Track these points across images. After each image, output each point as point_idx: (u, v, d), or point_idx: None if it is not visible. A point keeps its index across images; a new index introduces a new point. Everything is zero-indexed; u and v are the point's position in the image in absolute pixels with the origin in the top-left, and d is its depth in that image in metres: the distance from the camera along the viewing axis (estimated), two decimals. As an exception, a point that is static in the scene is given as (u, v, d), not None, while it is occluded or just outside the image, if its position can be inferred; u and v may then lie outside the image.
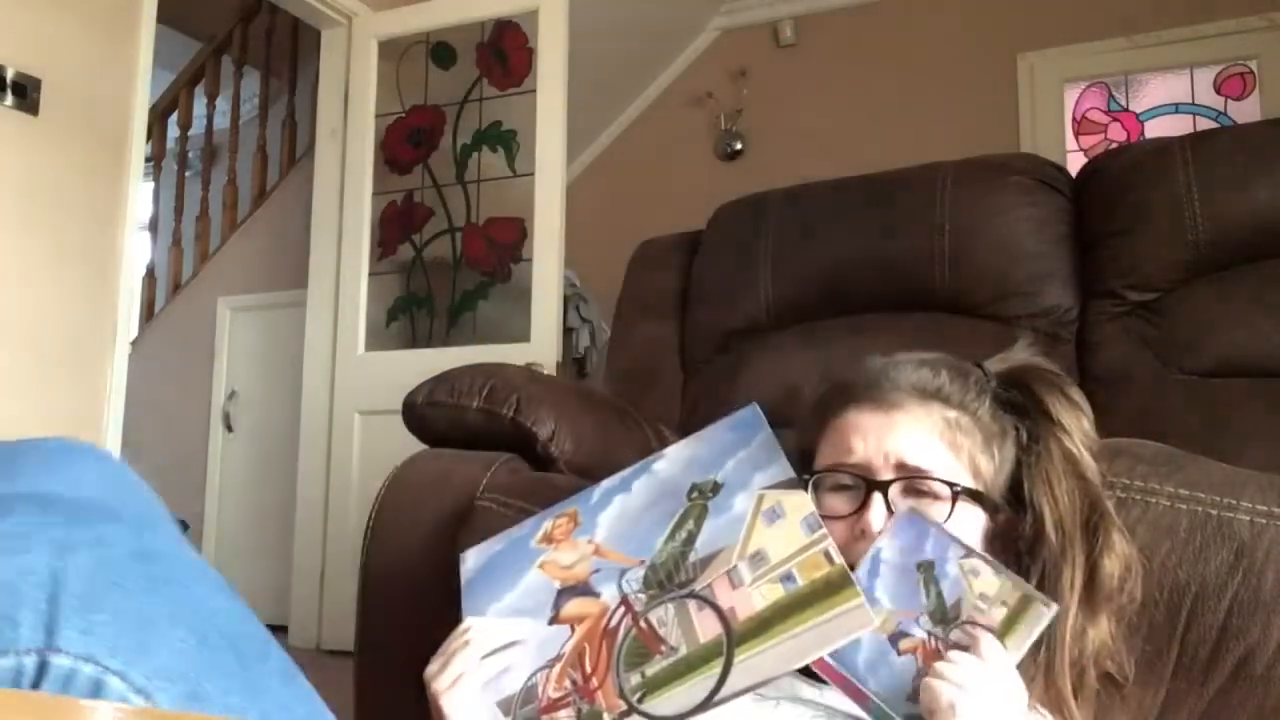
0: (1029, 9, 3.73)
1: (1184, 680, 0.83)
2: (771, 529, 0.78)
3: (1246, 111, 3.44)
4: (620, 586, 0.81)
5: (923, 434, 0.82)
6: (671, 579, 0.79)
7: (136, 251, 2.43)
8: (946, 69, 3.80)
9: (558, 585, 0.84)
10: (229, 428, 3.60)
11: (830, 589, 0.73)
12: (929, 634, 0.73)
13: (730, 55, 4.25)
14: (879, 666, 0.73)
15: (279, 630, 2.88)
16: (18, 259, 2.11)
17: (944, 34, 3.83)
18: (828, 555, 0.74)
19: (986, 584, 0.74)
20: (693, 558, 0.80)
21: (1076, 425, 0.85)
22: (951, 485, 0.80)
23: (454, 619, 0.85)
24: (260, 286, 3.57)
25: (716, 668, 0.73)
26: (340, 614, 2.80)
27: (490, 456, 1.25)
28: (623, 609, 0.80)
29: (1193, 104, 3.57)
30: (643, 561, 0.82)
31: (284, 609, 3.01)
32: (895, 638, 0.74)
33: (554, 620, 0.82)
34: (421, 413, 1.32)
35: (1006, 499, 0.84)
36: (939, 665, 0.70)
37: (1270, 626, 0.80)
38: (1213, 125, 3.42)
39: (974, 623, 0.73)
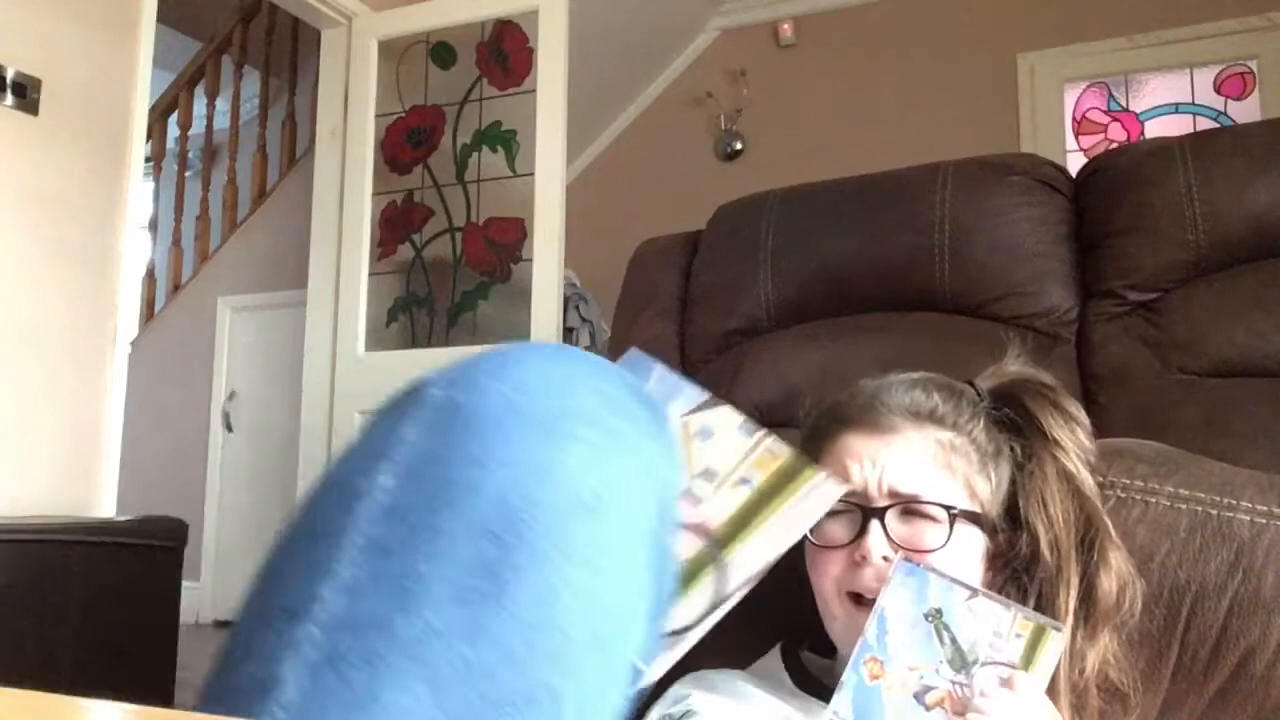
0: (1029, 9, 3.73)
1: (1184, 681, 0.82)
2: (708, 446, 0.77)
3: (1246, 111, 3.44)
4: None
5: (917, 459, 0.81)
6: None
7: (136, 251, 2.43)
8: (946, 69, 3.80)
9: None
10: (229, 428, 3.60)
11: (789, 475, 0.73)
12: (952, 683, 0.71)
13: (730, 55, 4.24)
14: None
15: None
16: (18, 259, 2.11)
17: (944, 34, 3.83)
18: (772, 450, 0.74)
19: (998, 620, 0.72)
20: None
21: (1072, 440, 0.83)
22: (948, 508, 0.79)
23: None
24: (260, 286, 3.58)
25: (710, 572, 0.72)
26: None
27: (490, 456, 1.25)
28: None
29: (1193, 104, 3.57)
30: None
31: (284, 609, 3.01)
32: (921, 694, 0.71)
33: None
34: (421, 413, 1.32)
35: (1003, 518, 0.82)
36: (975, 705, 0.68)
37: (1270, 626, 0.80)
38: (1213, 125, 3.42)
39: (994, 661, 0.71)
